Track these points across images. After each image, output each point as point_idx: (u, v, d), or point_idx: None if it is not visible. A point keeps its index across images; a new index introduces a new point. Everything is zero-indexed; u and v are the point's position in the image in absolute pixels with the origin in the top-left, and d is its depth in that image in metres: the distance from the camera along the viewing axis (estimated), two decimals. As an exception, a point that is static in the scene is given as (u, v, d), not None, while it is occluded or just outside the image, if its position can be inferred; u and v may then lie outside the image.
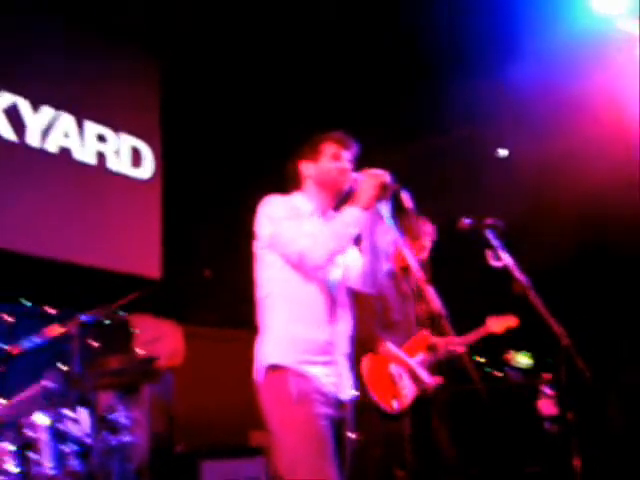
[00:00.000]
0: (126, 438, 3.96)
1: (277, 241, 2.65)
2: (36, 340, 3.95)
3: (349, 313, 2.80)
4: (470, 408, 4.34)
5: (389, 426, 3.88)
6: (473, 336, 4.28)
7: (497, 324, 4.29)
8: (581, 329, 3.53)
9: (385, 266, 2.77)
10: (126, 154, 6.37)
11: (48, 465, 3.57)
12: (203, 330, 6.38)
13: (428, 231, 4.24)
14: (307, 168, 2.82)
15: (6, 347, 3.91)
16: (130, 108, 6.49)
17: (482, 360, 6.06)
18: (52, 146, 5.85)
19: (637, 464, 5.34)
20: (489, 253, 3.05)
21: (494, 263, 2.99)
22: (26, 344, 3.91)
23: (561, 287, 5.39)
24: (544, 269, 4.12)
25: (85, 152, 6.06)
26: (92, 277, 5.80)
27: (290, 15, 5.95)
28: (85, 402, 3.86)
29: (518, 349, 5.83)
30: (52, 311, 5.26)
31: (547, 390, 4.64)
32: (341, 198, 2.75)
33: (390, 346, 3.96)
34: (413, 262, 2.60)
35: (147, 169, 6.48)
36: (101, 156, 6.18)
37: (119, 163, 6.29)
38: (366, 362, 3.95)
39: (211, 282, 6.55)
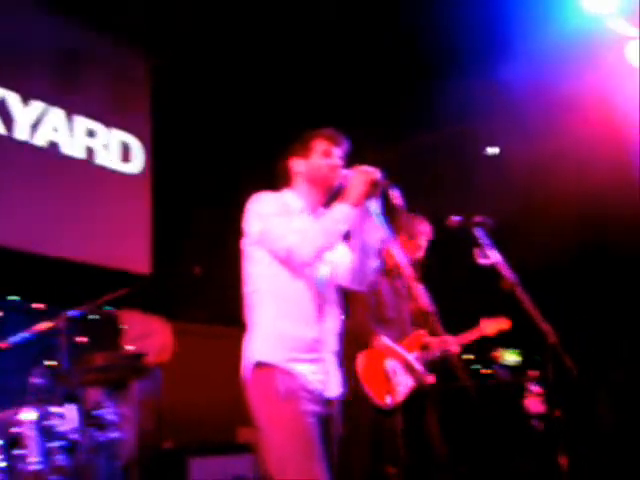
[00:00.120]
0: (113, 434, 3.94)
1: (266, 237, 2.65)
2: (24, 335, 3.93)
3: (337, 310, 2.80)
4: (458, 406, 4.35)
5: (382, 422, 3.89)
6: (467, 337, 4.30)
7: (490, 326, 4.32)
8: (571, 327, 3.54)
9: (374, 263, 2.77)
10: (116, 149, 6.35)
11: (34, 461, 3.55)
12: (192, 326, 6.37)
13: (424, 230, 4.25)
14: (298, 165, 2.81)
15: (-7, 342, 3.89)
16: (120, 103, 6.47)
17: (471, 357, 6.08)
18: (41, 140, 5.82)
19: (624, 462, 5.37)
20: (477, 251, 3.06)
21: (482, 261, 3.00)
22: (13, 339, 3.89)
23: (550, 286, 5.40)
24: (534, 268, 4.13)
25: (74, 147, 6.03)
26: (81, 272, 5.78)
27: (282, 12, 5.94)
28: (72, 398, 3.85)
29: (506, 347, 5.85)
30: (40, 306, 5.24)
31: (534, 388, 4.66)
32: (332, 195, 2.75)
33: (385, 340, 3.97)
34: (402, 260, 2.59)
35: (137, 164, 6.46)
36: (90, 151, 6.15)
37: (108, 158, 6.27)
38: (361, 358, 3.98)
39: (200, 278, 6.53)
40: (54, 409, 3.72)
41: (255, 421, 2.58)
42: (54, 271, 5.64)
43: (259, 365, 2.59)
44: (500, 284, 3.00)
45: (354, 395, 3.84)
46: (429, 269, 4.31)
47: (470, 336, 4.31)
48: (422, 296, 2.53)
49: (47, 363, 4.19)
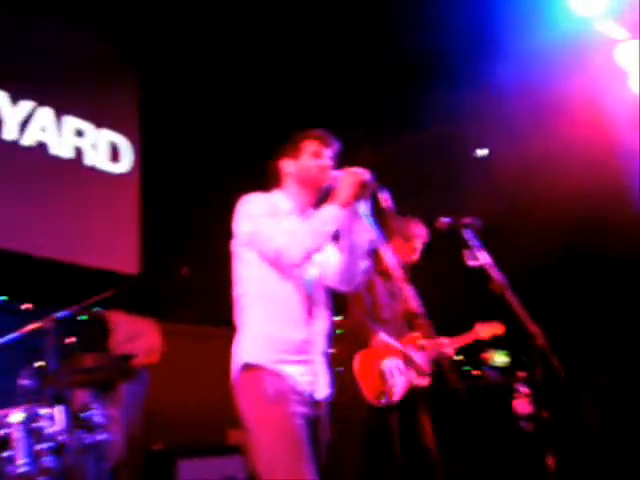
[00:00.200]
0: (101, 436, 3.93)
1: (255, 238, 2.64)
2: (11, 336, 3.91)
3: (327, 311, 2.80)
4: (449, 407, 4.37)
5: (377, 421, 3.91)
6: (462, 340, 4.33)
7: (485, 330, 4.35)
8: (557, 329, 3.56)
9: (363, 265, 2.77)
10: (104, 149, 6.32)
11: (22, 462, 3.53)
12: (181, 327, 6.35)
13: (420, 233, 4.27)
14: (288, 165, 2.81)
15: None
16: (109, 103, 6.45)
17: (460, 359, 6.10)
18: (29, 140, 5.79)
19: (611, 462, 5.40)
20: (466, 252, 3.07)
21: (471, 262, 3.01)
22: (1, 340, 3.87)
23: (537, 288, 5.42)
24: (520, 270, 4.14)
25: (62, 146, 6.00)
26: (69, 273, 5.75)
27: (270, 13, 5.93)
28: (60, 399, 3.83)
29: (495, 348, 5.87)
30: (28, 307, 5.21)
31: (522, 389, 4.68)
32: (321, 196, 2.75)
33: (383, 336, 3.99)
34: (392, 262, 2.59)
35: (126, 164, 6.44)
36: (79, 151, 6.13)
37: (97, 158, 6.24)
38: (358, 358, 4.00)
39: (189, 279, 6.51)
40: (42, 410, 3.70)
41: (244, 423, 2.58)
42: (42, 271, 5.61)
43: (247, 367, 2.59)
44: (489, 286, 3.01)
45: (350, 395, 3.88)
46: (420, 271, 4.34)
47: (465, 339, 4.34)
48: (412, 298, 2.53)
49: (35, 364, 4.17)
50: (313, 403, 2.64)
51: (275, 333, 2.61)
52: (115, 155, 6.39)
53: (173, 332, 5.95)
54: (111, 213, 6.22)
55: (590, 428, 5.72)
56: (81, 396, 4.20)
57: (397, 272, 2.59)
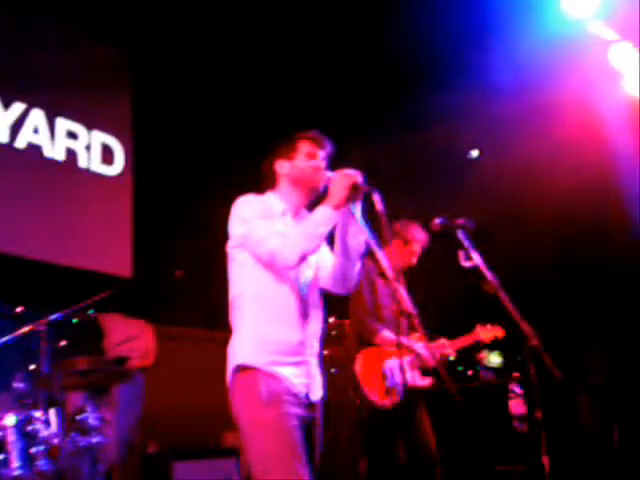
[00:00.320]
0: (96, 439, 3.93)
1: (249, 240, 2.65)
2: (4, 339, 3.90)
3: (321, 313, 2.80)
4: (443, 407, 4.38)
5: (378, 421, 3.93)
6: (462, 341, 4.34)
7: (486, 333, 4.35)
8: (552, 331, 3.57)
9: (357, 267, 2.77)
10: (97, 151, 6.31)
11: (16, 465, 3.53)
12: (175, 330, 6.33)
13: (420, 237, 4.30)
14: (282, 166, 2.82)
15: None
16: (101, 105, 6.43)
17: (453, 358, 6.11)
18: (21, 142, 5.77)
19: (605, 462, 5.42)
20: (461, 253, 3.08)
21: (465, 263, 3.02)
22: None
23: (531, 290, 5.44)
24: (514, 272, 4.16)
25: (55, 149, 5.99)
26: (62, 275, 5.73)
27: (267, 12, 5.93)
28: (54, 402, 3.83)
29: (489, 349, 5.89)
30: (20, 309, 5.19)
31: (516, 389, 4.70)
32: (315, 197, 2.76)
33: (386, 334, 4.00)
34: (385, 263, 2.60)
35: (118, 166, 6.42)
36: (71, 153, 6.11)
37: (89, 160, 6.22)
38: (360, 358, 4.02)
39: (183, 281, 6.51)
40: (36, 413, 3.70)
41: (238, 424, 2.58)
42: (35, 274, 5.59)
43: (242, 368, 2.59)
44: (482, 286, 3.02)
45: (351, 394, 3.91)
46: (415, 272, 4.36)
47: (465, 341, 4.36)
48: (405, 298, 2.54)
49: (29, 367, 4.17)
50: (308, 405, 2.64)
51: (270, 335, 2.61)
52: (108, 157, 6.38)
53: (167, 335, 5.94)
54: (104, 215, 6.20)
55: (585, 428, 5.74)
56: (75, 399, 4.19)
57: (390, 273, 2.59)
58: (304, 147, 2.80)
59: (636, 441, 5.44)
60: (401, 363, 3.97)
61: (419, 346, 4.11)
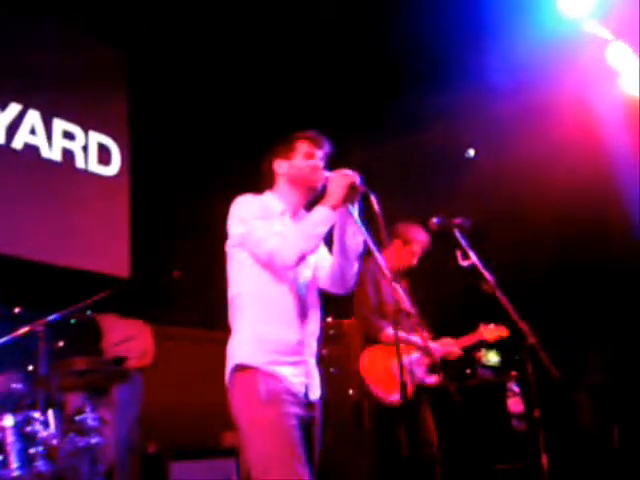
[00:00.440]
0: (95, 439, 3.92)
1: (247, 240, 2.66)
2: (2, 340, 3.90)
3: (319, 313, 2.81)
4: (442, 406, 4.39)
5: (386, 418, 3.94)
6: (467, 340, 4.36)
7: (489, 332, 4.37)
8: (550, 331, 3.58)
9: (355, 267, 2.78)
10: (94, 151, 6.30)
11: (15, 466, 3.52)
12: (174, 330, 6.33)
13: (421, 239, 4.32)
14: (280, 166, 2.83)
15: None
16: (98, 105, 6.42)
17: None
18: (18, 143, 5.76)
19: (604, 461, 5.43)
20: (458, 253, 3.09)
21: (463, 263, 3.03)
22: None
23: (530, 290, 5.45)
24: (512, 271, 4.17)
25: (52, 149, 5.98)
26: (59, 276, 5.73)
27: (265, 12, 5.92)
28: (52, 403, 3.82)
29: (487, 347, 5.89)
30: (18, 310, 5.19)
31: (514, 388, 4.71)
32: (313, 197, 2.76)
33: (392, 331, 4.01)
34: (382, 262, 2.60)
35: (115, 167, 6.41)
36: (68, 153, 6.10)
37: (87, 160, 6.22)
38: (365, 356, 4.03)
39: (181, 281, 6.50)
40: (35, 414, 3.69)
41: (237, 424, 2.58)
42: (33, 274, 5.58)
43: (241, 367, 2.59)
44: (480, 285, 3.03)
45: (352, 393, 3.93)
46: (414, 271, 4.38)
47: (469, 340, 4.38)
48: (403, 298, 2.54)
49: (27, 368, 4.17)
50: (307, 404, 2.65)
51: (269, 334, 2.62)
52: (105, 158, 6.37)
53: (166, 335, 5.94)
54: (102, 216, 6.19)
55: (584, 427, 5.75)
56: (74, 399, 4.19)
57: (387, 273, 2.60)
58: (302, 147, 2.80)
59: (636, 441, 5.45)
60: (410, 359, 4.00)
61: (433, 345, 4.14)
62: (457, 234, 3.14)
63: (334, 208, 2.60)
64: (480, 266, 3.03)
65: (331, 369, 5.19)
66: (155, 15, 5.98)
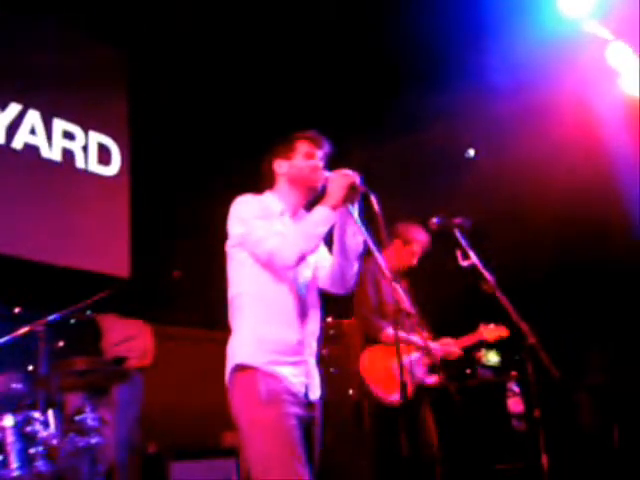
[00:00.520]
0: (95, 439, 3.92)
1: (247, 240, 2.66)
2: (2, 340, 3.90)
3: (319, 313, 2.81)
4: (441, 406, 4.40)
5: (385, 418, 3.95)
6: (467, 340, 4.36)
7: (490, 332, 4.37)
8: (550, 331, 3.58)
9: (355, 267, 2.78)
10: (94, 151, 6.30)
11: (15, 466, 3.53)
12: (174, 330, 6.33)
13: (420, 239, 4.33)
14: (280, 166, 2.83)
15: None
16: (98, 105, 6.42)
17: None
18: (18, 143, 5.76)
19: (604, 461, 5.43)
20: (459, 253, 3.09)
21: (463, 263, 3.03)
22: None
23: (531, 290, 5.44)
24: (512, 272, 4.17)
25: (52, 149, 5.98)
26: (59, 276, 5.73)
27: (265, 11, 5.92)
28: (52, 403, 3.82)
29: (487, 347, 5.89)
30: (18, 310, 5.19)
31: (514, 388, 4.71)
32: (314, 197, 2.77)
33: (392, 331, 4.01)
34: (382, 262, 2.60)
35: (115, 167, 6.41)
36: (68, 153, 6.10)
37: (86, 160, 6.22)
38: (366, 355, 4.03)
39: (181, 281, 6.50)
40: (35, 414, 3.70)
41: (237, 424, 2.58)
42: (32, 274, 5.58)
43: (241, 367, 2.59)
44: (480, 285, 3.03)
45: (352, 393, 3.93)
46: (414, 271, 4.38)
47: (469, 340, 4.38)
48: (403, 298, 2.55)
49: (27, 368, 4.16)
50: (307, 404, 2.65)
51: (269, 334, 2.62)
52: (105, 158, 6.37)
53: (166, 335, 5.94)
54: (102, 216, 6.19)
55: (584, 427, 5.75)
56: (74, 399, 4.19)
57: (387, 273, 2.60)
58: (302, 147, 2.81)
59: (636, 441, 5.45)
60: (410, 359, 4.00)
61: (433, 345, 4.15)
62: (457, 234, 3.14)
63: (334, 208, 2.60)
64: (480, 266, 3.04)
65: (331, 369, 5.19)
66: (155, 15, 5.98)
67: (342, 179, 2.62)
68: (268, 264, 2.62)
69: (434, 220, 3.26)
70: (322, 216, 2.60)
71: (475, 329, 4.41)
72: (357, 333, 4.24)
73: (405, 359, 4.06)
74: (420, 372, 4.17)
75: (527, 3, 5.40)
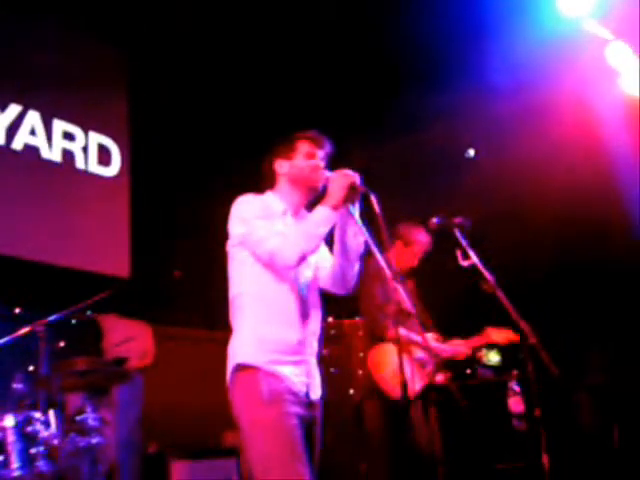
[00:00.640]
0: (95, 439, 3.93)
1: (248, 240, 2.66)
2: (3, 340, 3.91)
3: (320, 313, 2.81)
4: (443, 406, 4.41)
5: (393, 415, 3.96)
6: (476, 342, 4.36)
7: (498, 335, 4.36)
8: (551, 331, 3.58)
9: (356, 267, 2.78)
10: (94, 152, 6.30)
11: (16, 466, 3.53)
12: (174, 330, 6.34)
13: (422, 240, 4.32)
14: (281, 166, 2.83)
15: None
16: (97, 106, 6.42)
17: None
18: (18, 144, 5.77)
19: (605, 460, 5.43)
20: (459, 252, 3.10)
21: (463, 262, 3.04)
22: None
23: (530, 290, 5.45)
24: (512, 274, 4.17)
25: (52, 150, 5.99)
26: (60, 276, 5.73)
27: (266, 11, 5.92)
28: (53, 403, 3.83)
29: (488, 347, 5.89)
30: (19, 311, 5.20)
31: (515, 387, 4.71)
32: (315, 197, 2.77)
33: (402, 331, 4.01)
34: (382, 263, 2.61)
35: (115, 167, 6.42)
36: (68, 154, 6.10)
37: (86, 161, 6.22)
38: (373, 353, 4.04)
39: (182, 282, 6.51)
40: (36, 414, 3.70)
41: (238, 423, 2.58)
42: (33, 275, 5.59)
43: (242, 367, 2.59)
44: (480, 285, 3.04)
45: (368, 389, 3.94)
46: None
47: (478, 341, 4.38)
48: (404, 298, 2.55)
49: (28, 368, 4.17)
50: (308, 404, 2.65)
51: (270, 334, 2.62)
52: (105, 158, 6.37)
53: (166, 335, 5.95)
54: (102, 216, 6.19)
55: (584, 427, 5.75)
56: (75, 400, 4.19)
57: (387, 273, 2.60)
58: (303, 147, 2.81)
59: (636, 441, 5.45)
60: (417, 357, 4.02)
61: (443, 345, 4.15)
62: (457, 234, 3.14)
63: (335, 208, 2.60)
64: (480, 266, 3.04)
65: (331, 369, 5.20)
66: (155, 15, 5.99)
67: (342, 179, 2.62)
68: (269, 264, 2.62)
69: (434, 220, 3.26)
70: (323, 216, 2.60)
71: (475, 329, 4.41)
72: (360, 332, 4.24)
73: (418, 354, 4.10)
74: (429, 370, 4.19)
75: (527, 3, 5.41)
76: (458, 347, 4.29)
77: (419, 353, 4.13)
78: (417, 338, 4.05)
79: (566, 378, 2.81)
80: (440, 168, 6.74)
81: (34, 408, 3.75)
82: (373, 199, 2.59)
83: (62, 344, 4.91)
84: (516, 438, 5.11)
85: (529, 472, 4.87)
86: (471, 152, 6.97)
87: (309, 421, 2.64)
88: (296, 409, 2.57)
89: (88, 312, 5.20)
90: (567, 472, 4.60)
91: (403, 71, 6.25)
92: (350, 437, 4.94)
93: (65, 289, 5.36)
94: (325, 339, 2.89)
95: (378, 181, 2.84)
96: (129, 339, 5.35)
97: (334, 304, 3.52)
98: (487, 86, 5.83)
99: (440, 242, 3.56)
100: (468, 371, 5.94)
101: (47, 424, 3.72)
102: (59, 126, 6.08)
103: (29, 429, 3.64)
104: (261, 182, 2.87)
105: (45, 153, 5.94)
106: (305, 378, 2.65)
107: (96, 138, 6.34)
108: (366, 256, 2.78)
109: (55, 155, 6.01)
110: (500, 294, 2.97)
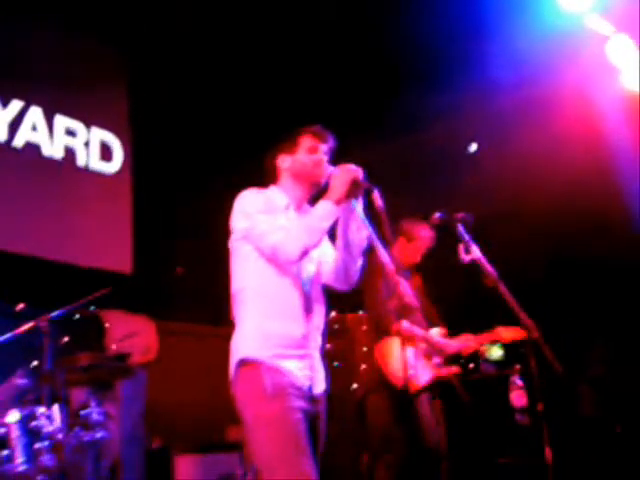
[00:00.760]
0: (99, 434, 3.95)
1: (251, 234, 2.66)
2: (6, 336, 3.92)
3: (323, 307, 2.82)
4: (447, 400, 4.42)
5: (402, 407, 3.97)
6: (485, 338, 4.38)
7: (507, 333, 4.36)
8: (552, 325, 3.59)
9: (359, 263, 2.79)
10: (96, 148, 6.31)
11: (20, 461, 3.55)
12: (177, 325, 6.35)
13: (425, 236, 4.33)
14: (284, 161, 2.84)
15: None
16: (99, 102, 6.43)
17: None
18: (19, 141, 5.78)
19: (607, 454, 5.44)
20: (460, 247, 3.10)
21: (465, 257, 3.04)
22: (-4, 340, 3.88)
23: (531, 285, 5.45)
24: (513, 269, 4.18)
25: (54, 146, 5.99)
26: (62, 272, 5.75)
27: (267, 9, 5.92)
28: (57, 398, 3.85)
29: (491, 342, 5.90)
30: (21, 307, 5.21)
31: (517, 381, 4.72)
32: (318, 191, 2.77)
33: (405, 324, 4.02)
34: (385, 258, 2.61)
35: (117, 163, 6.43)
36: (70, 150, 6.11)
37: (88, 157, 6.23)
38: (381, 346, 4.05)
39: (184, 277, 6.52)
40: (40, 409, 3.72)
41: (242, 418, 2.59)
42: (36, 271, 5.60)
43: (246, 362, 2.60)
44: (482, 280, 3.04)
45: (374, 382, 3.95)
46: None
47: (488, 338, 4.40)
48: (407, 292, 2.56)
49: (32, 364, 4.19)
50: (312, 398, 2.66)
51: (273, 328, 2.62)
52: (107, 154, 6.38)
53: (169, 330, 5.97)
54: (104, 212, 6.21)
55: (586, 420, 5.76)
56: (79, 395, 4.21)
57: (390, 267, 2.61)
58: (306, 141, 2.81)
59: (638, 433, 5.47)
60: (423, 350, 4.03)
61: (452, 341, 4.17)
62: (460, 229, 3.15)
63: (337, 203, 2.61)
64: (483, 261, 3.04)
65: (335, 363, 5.21)
66: (157, 13, 5.99)
67: (345, 174, 2.63)
68: (272, 258, 2.63)
69: (436, 215, 3.26)
70: (325, 211, 2.60)
71: (478, 324, 4.42)
72: (363, 327, 4.25)
73: (424, 346, 4.11)
74: (437, 362, 4.20)
75: (528, -1, 5.41)
76: (467, 342, 4.30)
77: (425, 345, 4.16)
78: (420, 332, 4.07)
79: (568, 372, 2.82)
80: (440, 168, 6.74)
81: (38, 403, 3.77)
82: (376, 194, 2.59)
83: (66, 340, 4.92)
84: (519, 432, 5.11)
85: (532, 466, 4.89)
86: (473, 146, 6.97)
87: (313, 415, 2.65)
88: (300, 403, 2.57)
89: (91, 308, 5.21)
90: (570, 465, 4.61)
91: (403, 71, 6.24)
92: (353, 431, 4.95)
93: (68, 285, 5.38)
94: (328, 333, 2.90)
95: (378, 181, 2.84)
96: (132, 334, 5.37)
97: (337, 298, 3.54)
98: (488, 82, 5.83)
99: (443, 238, 3.56)
100: (471, 366, 5.95)
101: (51, 419, 3.73)
102: (61, 122, 6.09)
103: (33, 424, 3.66)
104: (261, 180, 2.87)
105: (47, 150, 5.95)
106: (309, 372, 2.65)
107: (98, 133, 6.35)
108: (369, 251, 2.79)
109: (57, 152, 6.01)
110: (502, 289, 2.97)
